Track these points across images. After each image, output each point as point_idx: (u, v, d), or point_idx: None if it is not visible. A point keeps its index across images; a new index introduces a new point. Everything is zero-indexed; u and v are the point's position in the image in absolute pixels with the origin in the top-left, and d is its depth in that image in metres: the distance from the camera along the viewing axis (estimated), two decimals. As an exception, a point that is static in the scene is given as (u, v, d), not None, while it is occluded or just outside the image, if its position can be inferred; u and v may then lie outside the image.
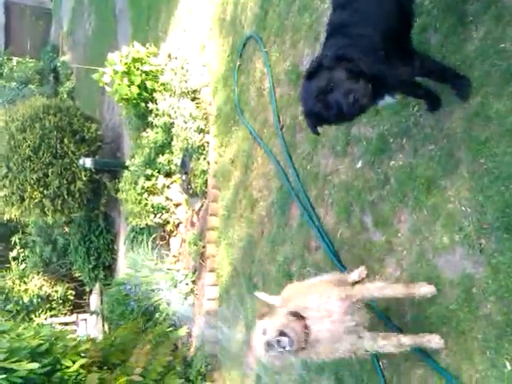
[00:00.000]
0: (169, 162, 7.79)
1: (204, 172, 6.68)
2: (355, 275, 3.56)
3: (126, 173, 8.46)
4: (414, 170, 3.30)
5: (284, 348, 2.61)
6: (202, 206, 6.93)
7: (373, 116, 3.73)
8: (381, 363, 3.37)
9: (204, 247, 6.50)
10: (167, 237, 7.98)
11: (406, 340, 2.83)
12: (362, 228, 3.77)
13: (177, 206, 7.85)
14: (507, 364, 2.55)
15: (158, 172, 8.04)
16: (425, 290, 2.93)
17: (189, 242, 6.78)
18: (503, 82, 2.78)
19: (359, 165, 3.88)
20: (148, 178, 8.05)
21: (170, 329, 6.74)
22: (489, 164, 2.78)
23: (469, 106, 2.95)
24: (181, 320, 6.88)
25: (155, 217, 7.77)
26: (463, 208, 2.89)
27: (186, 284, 6.70)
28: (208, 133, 6.93)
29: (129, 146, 9.99)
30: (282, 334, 2.60)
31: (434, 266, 3.05)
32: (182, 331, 6.65)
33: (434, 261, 3.06)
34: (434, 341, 2.86)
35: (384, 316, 3.36)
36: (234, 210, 5.88)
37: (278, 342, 2.59)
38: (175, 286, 6.75)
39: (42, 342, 5.13)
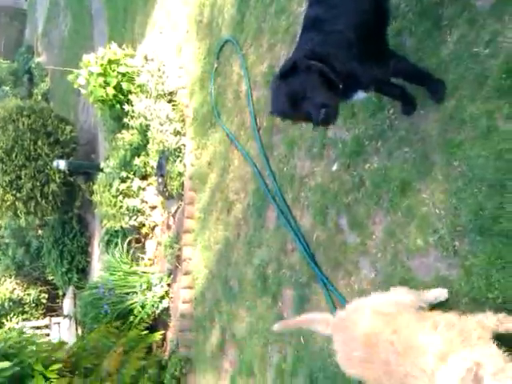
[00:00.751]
0: (145, 164, 7.68)
1: (180, 174, 6.60)
2: (432, 297, 2.78)
3: (100, 175, 8.30)
4: (388, 173, 3.29)
5: None
6: (178, 208, 6.83)
7: (348, 118, 3.72)
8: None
9: (180, 250, 6.41)
10: (142, 239, 7.86)
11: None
12: (337, 230, 3.75)
13: (152, 208, 7.74)
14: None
15: (134, 174, 7.92)
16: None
17: (164, 245, 6.69)
18: (477, 85, 2.79)
19: (335, 167, 3.86)
20: (123, 180, 7.92)
21: (145, 332, 6.61)
22: (463, 167, 2.78)
23: (443, 109, 2.96)
24: (155, 323, 6.77)
25: (130, 219, 7.63)
26: (437, 210, 2.89)
27: (161, 287, 6.59)
28: (185, 135, 6.86)
29: (104, 147, 9.84)
30: None
31: (408, 268, 3.04)
32: (157, 335, 6.55)
33: (409, 263, 3.05)
34: None
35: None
36: (211, 213, 5.82)
37: None
38: (150, 289, 6.64)
39: (10, 345, 4.98)
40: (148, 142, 7.30)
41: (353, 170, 3.65)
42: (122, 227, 7.82)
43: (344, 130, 3.81)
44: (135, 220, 7.64)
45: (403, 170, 3.18)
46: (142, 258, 7.54)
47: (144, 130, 7.37)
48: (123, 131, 7.96)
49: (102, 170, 8.37)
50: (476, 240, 2.65)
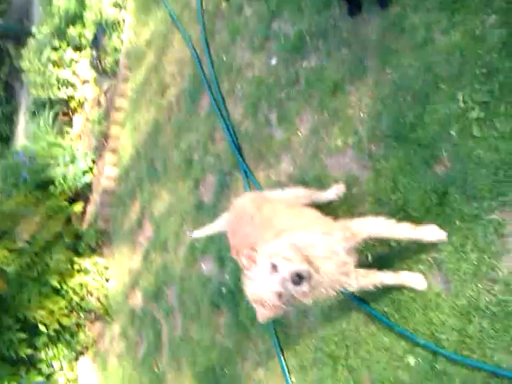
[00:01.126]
0: (80, 34, 7.12)
1: (116, 50, 6.20)
2: (331, 194, 2.94)
3: (31, 40, 7.61)
4: (323, 73, 3.26)
5: (302, 288, 2.04)
6: (110, 86, 6.49)
7: (295, 12, 3.57)
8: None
9: (108, 127, 6.17)
10: (71, 114, 7.47)
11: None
12: (266, 124, 3.73)
13: (84, 82, 7.29)
14: (369, 256, 2.76)
15: (67, 45, 7.32)
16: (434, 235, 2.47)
17: (93, 120, 6.43)
18: (423, -5, 2.74)
19: (274, 61, 3.76)
20: (55, 48, 7.32)
21: (65, 203, 6.49)
22: (393, 74, 2.80)
23: (387, 16, 2.90)
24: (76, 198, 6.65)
25: (59, 91, 7.19)
26: (361, 114, 2.93)
27: (85, 162, 6.40)
28: (125, 9, 6.34)
29: (39, 13, 8.95)
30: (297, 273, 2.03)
31: (324, 166, 3.12)
32: (77, 207, 6.45)
33: (326, 161, 3.12)
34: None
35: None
36: (144, 94, 5.58)
37: (299, 280, 2.02)
38: (73, 163, 6.43)
39: None
40: (85, 11, 6.71)
41: (290, 66, 3.58)
42: (50, 98, 7.37)
43: (289, 25, 3.68)
44: (64, 92, 7.21)
45: (338, 71, 3.15)
46: (68, 133, 7.22)
47: (82, -3, 6.75)
48: (60, -4, 7.24)
49: (33, 36, 7.66)
50: (391, 145, 2.74)
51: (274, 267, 2.02)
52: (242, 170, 3.82)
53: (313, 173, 3.17)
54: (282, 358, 3.31)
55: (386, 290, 2.67)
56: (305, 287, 2.04)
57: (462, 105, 2.45)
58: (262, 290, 2.07)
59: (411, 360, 2.59)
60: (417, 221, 2.56)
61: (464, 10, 2.53)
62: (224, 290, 3.93)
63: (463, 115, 2.44)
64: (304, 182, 3.19)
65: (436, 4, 2.65)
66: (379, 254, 2.75)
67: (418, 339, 2.52)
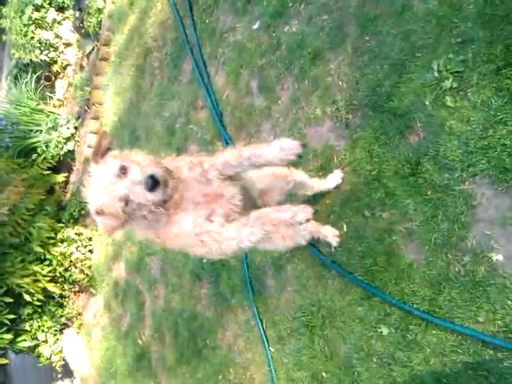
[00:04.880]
0: (63, -7, 7.09)
1: (99, 11, 6.19)
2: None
3: (12, -3, 7.57)
4: (304, 39, 3.32)
5: (156, 195, 1.83)
6: (93, 49, 6.51)
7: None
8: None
9: (90, 93, 6.23)
10: (53, 78, 7.49)
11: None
12: (247, 92, 3.81)
13: (67, 45, 7.29)
14: (344, 226, 2.90)
15: (50, 4, 7.29)
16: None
17: (75, 86, 6.46)
18: (404, -40, 2.79)
19: (256, 26, 3.82)
20: (37, 8, 7.28)
21: (48, 172, 6.58)
22: (372, 42, 2.88)
23: (367, -19, 2.96)
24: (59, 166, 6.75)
25: (41, 53, 7.19)
26: (340, 83, 3.02)
27: (68, 129, 6.47)
28: (109, -33, 6.31)
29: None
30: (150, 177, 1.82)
31: (303, 135, 3.22)
32: (59, 177, 6.57)
33: (305, 130, 3.22)
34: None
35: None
36: (126, 58, 5.62)
37: (152, 185, 1.81)
38: (56, 130, 6.50)
39: None
40: (67, -32, 6.69)
41: (272, 30, 3.63)
42: (32, 61, 7.36)
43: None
44: (47, 55, 7.21)
45: (318, 38, 3.22)
46: (51, 98, 7.26)
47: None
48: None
49: (14, -7, 7.61)
50: (368, 115, 2.84)
51: (124, 169, 1.81)
52: (223, 139, 3.92)
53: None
54: (261, 328, 3.49)
55: (361, 259, 2.82)
56: (159, 194, 1.83)
57: (436, 74, 2.54)
58: (107, 193, 1.81)
59: (384, 330, 2.75)
60: (390, 192, 2.70)
61: (442, -24, 2.59)
62: (205, 261, 4.08)
63: (438, 85, 2.54)
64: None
65: (416, -31, 2.71)
66: (354, 224, 2.89)
67: (389, 299, 2.67)
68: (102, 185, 1.82)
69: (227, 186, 2.05)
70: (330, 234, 2.92)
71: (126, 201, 1.81)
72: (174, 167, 2.02)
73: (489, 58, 2.36)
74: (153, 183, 1.80)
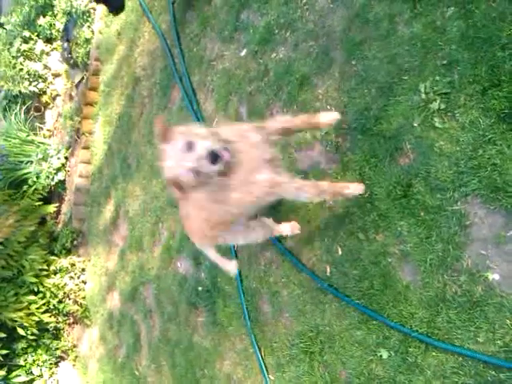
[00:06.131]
0: (50, 25, 7.18)
1: (87, 41, 6.26)
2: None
3: (0, 31, 7.65)
4: (291, 65, 3.36)
5: (218, 167, 2.13)
6: (82, 78, 6.55)
7: (263, 3, 3.67)
8: (236, 245, 3.64)
9: (80, 123, 6.25)
10: (42, 108, 7.53)
11: (326, 186, 2.53)
12: (237, 117, 3.83)
13: (55, 76, 7.35)
14: (339, 249, 2.89)
15: (38, 36, 7.39)
16: (328, 117, 2.62)
17: (65, 116, 6.49)
18: (386, -14, 2.85)
19: (243, 53, 3.86)
20: (25, 40, 7.38)
21: (39, 203, 6.57)
22: (358, 66, 2.91)
23: (352, 6, 3.01)
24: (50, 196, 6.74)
25: (30, 84, 7.26)
26: (328, 107, 3.04)
27: (58, 159, 6.48)
28: (95, -2, 6.39)
29: (8, 2, 8.95)
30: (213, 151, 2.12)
31: (294, 159, 3.23)
32: (51, 207, 6.55)
33: (296, 154, 3.24)
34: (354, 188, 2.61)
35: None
36: (115, 87, 5.66)
37: (215, 158, 2.10)
38: (46, 160, 6.50)
39: None
40: (55, 0, 6.77)
41: (260, 57, 3.68)
42: (21, 92, 7.42)
43: (257, 15, 3.78)
44: (36, 86, 7.28)
45: (305, 63, 3.26)
46: (41, 128, 7.29)
47: (52, -14, 6.79)
48: (29, -16, 7.28)
49: (2, 26, 7.69)
50: (357, 138, 2.86)
51: (190, 145, 2.09)
52: (214, 165, 3.92)
53: (283, 166, 3.27)
54: (260, 356, 3.45)
55: (357, 283, 2.82)
56: (221, 166, 2.13)
57: (424, 96, 2.58)
58: (178, 167, 2.10)
59: (384, 353, 2.73)
60: (383, 214, 2.71)
61: (425, 1, 2.65)
62: (200, 288, 4.06)
63: (425, 107, 2.57)
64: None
65: (399, -6, 2.76)
66: (348, 247, 2.88)
67: (388, 321, 2.66)
68: (174, 160, 2.11)
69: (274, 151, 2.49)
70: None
71: (196, 172, 2.10)
72: (237, 133, 2.39)
73: (474, 79, 2.39)
74: (214, 157, 2.10)
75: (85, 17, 6.37)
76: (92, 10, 6.35)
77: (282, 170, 2.49)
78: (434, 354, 2.50)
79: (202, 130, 2.25)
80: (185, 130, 2.21)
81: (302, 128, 2.82)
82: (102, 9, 6.16)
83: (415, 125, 2.60)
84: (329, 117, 2.59)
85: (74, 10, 6.42)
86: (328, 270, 2.99)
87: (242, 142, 2.34)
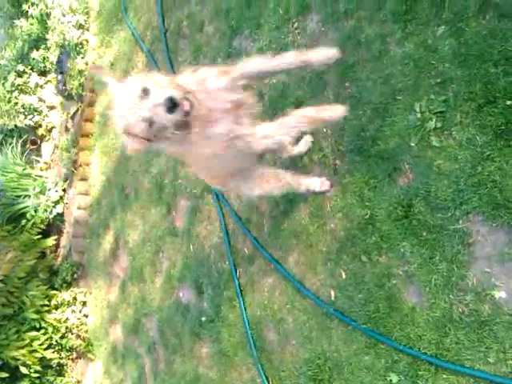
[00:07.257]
0: (44, 58, 7.26)
1: (81, 73, 6.32)
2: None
3: (-5, 65, 7.75)
4: (286, 89, 3.40)
5: (176, 116, 1.93)
6: (77, 110, 6.61)
7: (254, 29, 3.72)
8: (238, 271, 3.62)
9: (77, 154, 6.29)
10: (38, 141, 7.57)
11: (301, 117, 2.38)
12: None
13: (50, 108, 7.41)
14: (342, 272, 2.87)
15: (32, 69, 7.47)
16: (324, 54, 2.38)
17: (61, 148, 6.52)
18: (376, 7, 2.90)
19: (237, 79, 3.89)
20: (19, 74, 7.46)
21: (38, 237, 6.56)
22: (352, 88, 2.94)
23: (343, 29, 3.05)
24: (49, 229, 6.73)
25: (26, 118, 7.31)
26: (325, 130, 3.07)
27: (56, 191, 6.50)
28: (88, 30, 6.50)
29: (1, 37, 9.09)
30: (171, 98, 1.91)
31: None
32: (50, 241, 6.54)
33: (294, 178, 3.24)
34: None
35: (245, 228, 3.55)
36: (111, 118, 5.68)
37: (172, 106, 1.91)
38: (44, 194, 6.52)
39: None
40: (48, 33, 6.87)
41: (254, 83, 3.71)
42: (16, 126, 7.47)
43: (249, 41, 3.83)
44: (31, 119, 7.33)
45: (299, 87, 3.29)
46: (38, 161, 7.31)
47: (44, 20, 6.89)
48: (22, 19, 7.38)
49: (-5, 61, 7.80)
50: (354, 160, 2.87)
51: (146, 91, 1.90)
52: (213, 193, 3.94)
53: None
54: (268, 385, 3.41)
55: (362, 306, 2.80)
56: (179, 115, 1.93)
57: (419, 116, 2.60)
58: (131, 116, 1.92)
59: (394, 377, 2.69)
60: (385, 235, 2.71)
61: (415, 21, 2.68)
62: (204, 318, 4.03)
63: (421, 126, 2.58)
64: (273, 201, 3.33)
65: (390, 16, 2.80)
66: (352, 270, 2.87)
67: (396, 344, 2.63)
68: (127, 106, 1.93)
69: (248, 94, 2.29)
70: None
71: (150, 122, 1.90)
72: (198, 80, 2.16)
73: (469, 97, 2.41)
74: (172, 104, 1.90)
75: (78, 48, 6.45)
76: (85, 42, 6.45)
77: (248, 120, 2.26)
78: (444, 376, 2.46)
79: (160, 77, 2.03)
80: (140, 76, 2.05)
81: (285, 70, 2.50)
82: (94, 40, 6.24)
83: (412, 144, 2.61)
84: (326, 53, 2.32)
85: (66, 43, 6.50)
86: (332, 294, 2.97)
87: (201, 90, 2.11)
